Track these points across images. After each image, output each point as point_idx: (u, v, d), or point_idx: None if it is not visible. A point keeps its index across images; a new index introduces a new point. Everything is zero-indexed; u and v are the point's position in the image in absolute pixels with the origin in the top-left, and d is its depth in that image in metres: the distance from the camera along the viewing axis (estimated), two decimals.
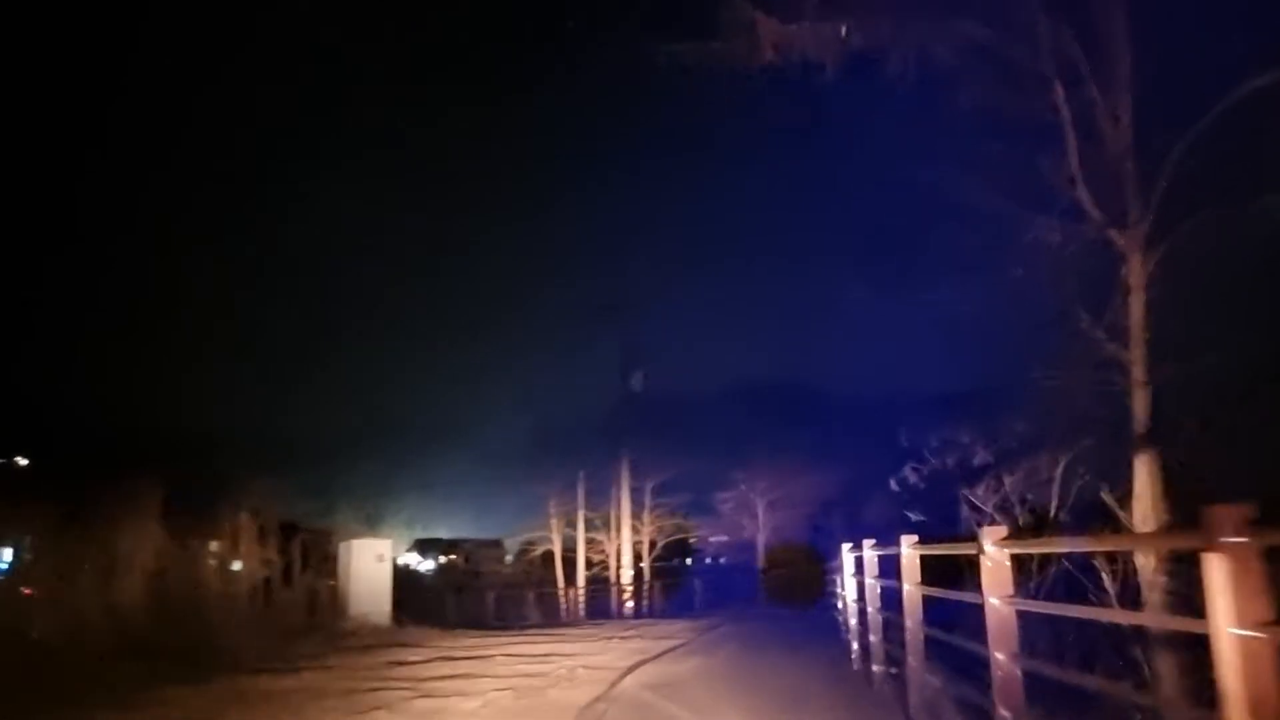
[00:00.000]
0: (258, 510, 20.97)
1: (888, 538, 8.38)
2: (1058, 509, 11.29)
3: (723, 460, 37.84)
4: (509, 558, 71.47)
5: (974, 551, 4.60)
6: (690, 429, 41.57)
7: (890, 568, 8.12)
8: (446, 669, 11.95)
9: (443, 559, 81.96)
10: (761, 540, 35.84)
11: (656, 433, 35.65)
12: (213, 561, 21.06)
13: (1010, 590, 4.41)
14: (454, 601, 46.95)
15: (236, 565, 20.76)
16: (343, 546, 23.61)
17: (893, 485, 19.82)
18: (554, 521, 37.32)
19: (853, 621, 10.12)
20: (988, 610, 4.43)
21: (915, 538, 6.44)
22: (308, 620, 21.17)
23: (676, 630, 18.65)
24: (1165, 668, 6.90)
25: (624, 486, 34.51)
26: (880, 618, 8.13)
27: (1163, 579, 7.29)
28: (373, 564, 23.20)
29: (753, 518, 35.70)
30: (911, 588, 6.27)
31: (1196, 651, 7.21)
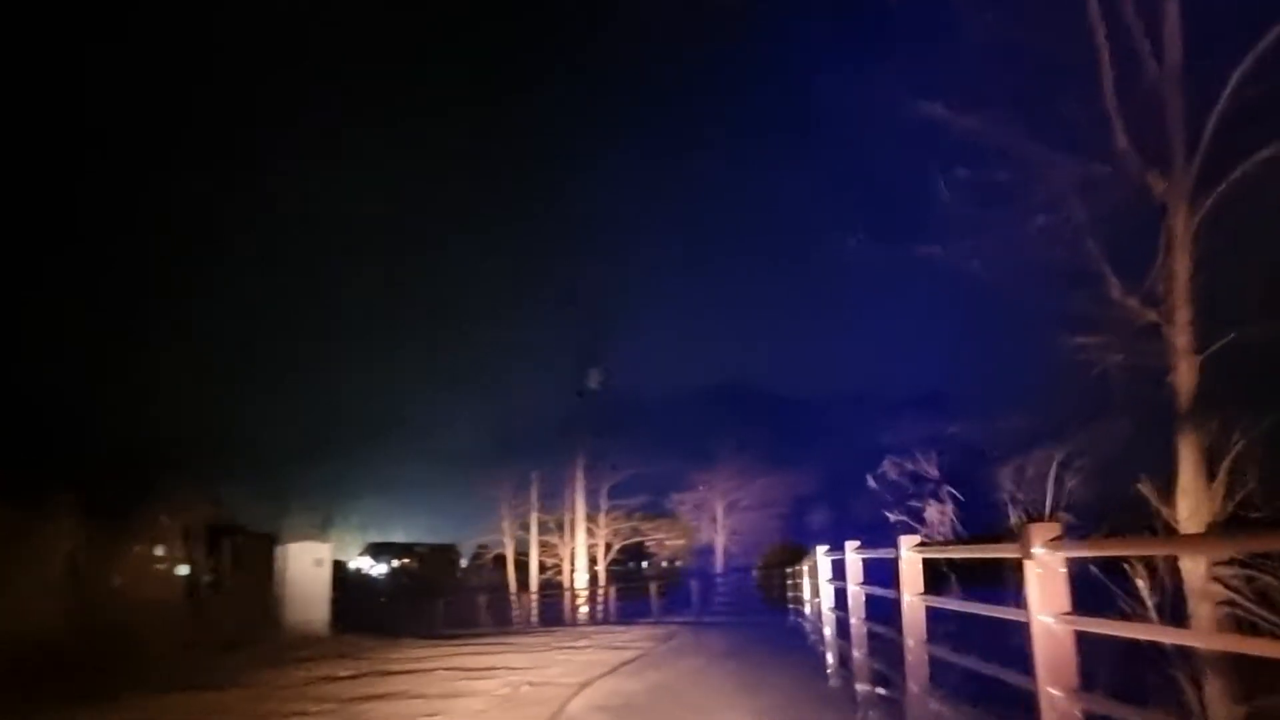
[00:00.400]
0: (182, 512, 19.55)
1: (853, 538, 7.42)
2: (1054, 507, 10.35)
3: (682, 462, 36.87)
4: (464, 562, 69.90)
5: (1016, 555, 3.58)
6: (649, 431, 40.60)
7: (873, 572, 7.17)
8: (378, 686, 10.77)
9: (396, 563, 79.99)
10: (720, 543, 34.77)
11: (614, 433, 34.58)
12: (137, 568, 19.61)
13: (1066, 605, 3.40)
14: (402, 607, 45.55)
15: (158, 571, 19.35)
16: (279, 550, 22.22)
17: (870, 483, 18.86)
18: (506, 524, 36.04)
19: (828, 632, 9.11)
20: (1037, 631, 3.42)
21: (917, 538, 5.42)
22: (240, 629, 19.81)
23: (633, 639, 17.58)
24: (1216, 693, 5.96)
25: (579, 487, 33.36)
26: (864, 630, 7.13)
27: (1215, 588, 6.34)
28: (311, 569, 21.88)
29: (711, 520, 34.64)
30: (913, 598, 5.25)
31: (1246, 673, 6.38)
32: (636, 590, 30.31)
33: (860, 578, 7.19)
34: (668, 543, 36.92)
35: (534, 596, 33.92)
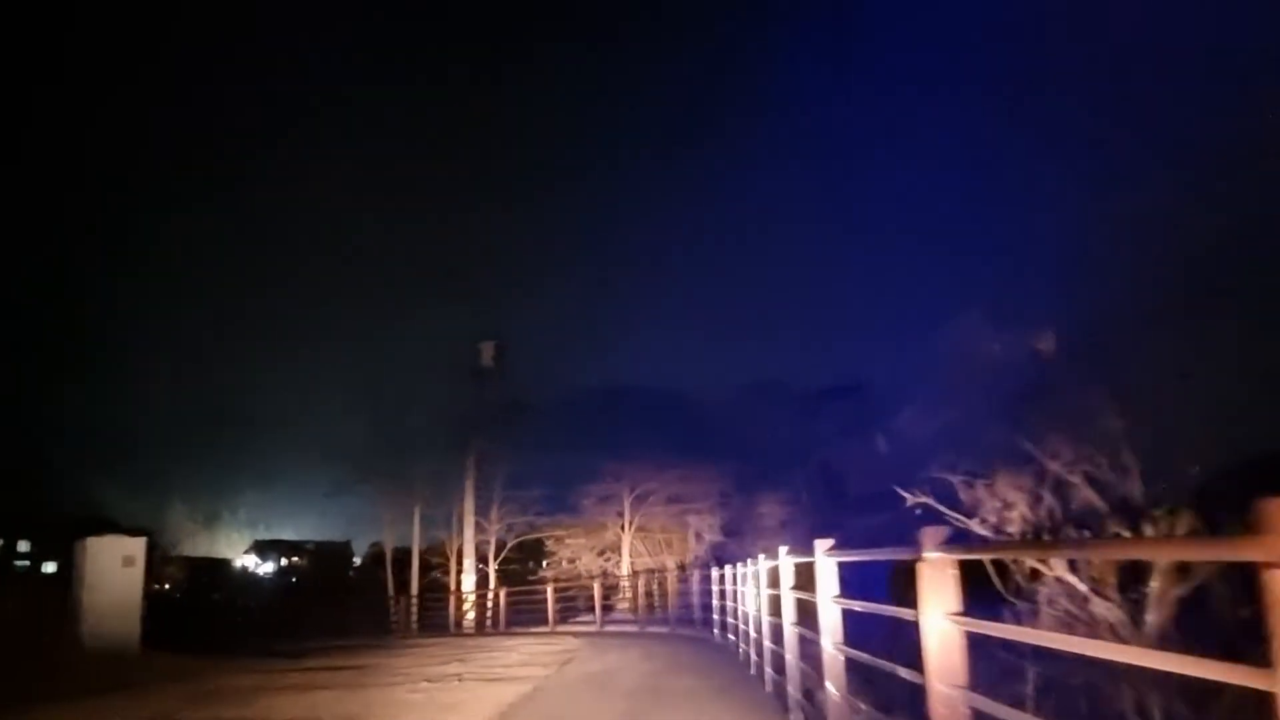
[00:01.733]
0: None
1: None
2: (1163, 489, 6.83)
3: (586, 454, 33.13)
4: (357, 560, 65.41)
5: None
6: (549, 426, 36.95)
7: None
8: None
9: (284, 561, 74.74)
10: (627, 542, 30.90)
11: (512, 417, 30.66)
12: None
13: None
14: (272, 613, 40.88)
15: None
16: (77, 547, 17.70)
17: (880, 444, 15.32)
18: (387, 518, 31.85)
19: (833, 690, 5.41)
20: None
21: None
22: (12, 646, 15.36)
23: (521, 660, 13.84)
24: None
25: (469, 476, 29.24)
26: (964, 700, 3.49)
27: None
28: (117, 570, 17.40)
29: (618, 515, 30.65)
30: None
31: None
32: (531, 594, 26.38)
33: (957, 606, 3.53)
34: (569, 541, 32.80)
35: (414, 600, 29.72)
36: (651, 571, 29.83)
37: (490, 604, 27.53)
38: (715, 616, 16.40)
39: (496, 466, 29.77)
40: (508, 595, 26.09)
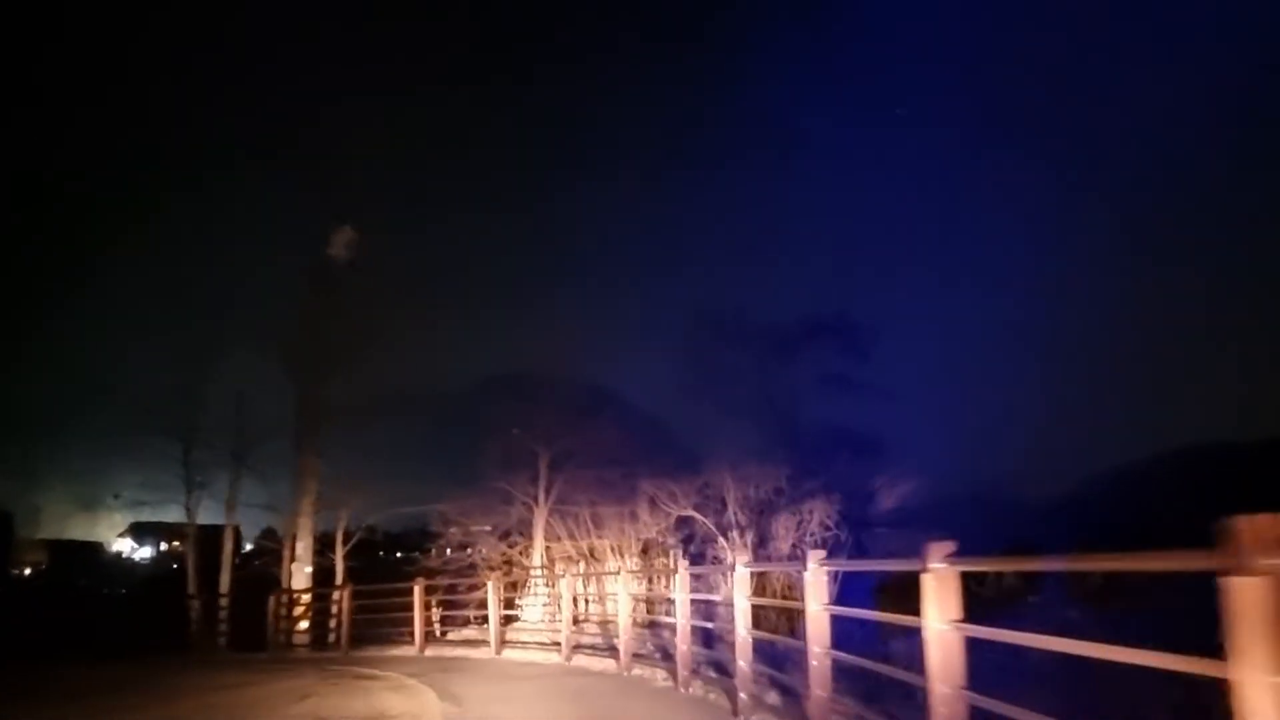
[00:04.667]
0: None
1: None
2: None
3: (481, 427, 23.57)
4: (249, 545, 57.95)
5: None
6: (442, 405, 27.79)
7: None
8: None
9: (164, 546, 65.33)
10: (541, 519, 21.50)
11: (375, 339, 21.30)
12: None
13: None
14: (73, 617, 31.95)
15: None
16: None
17: None
18: (184, 484, 22.30)
19: None
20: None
21: None
22: None
23: None
24: None
25: (310, 417, 19.67)
26: None
27: None
28: None
29: (531, 483, 21.21)
30: None
31: None
32: (394, 594, 16.98)
33: None
34: (461, 519, 23.12)
35: (222, 603, 20.11)
36: (575, 560, 20.72)
37: (337, 610, 18.07)
38: (743, 665, 7.56)
39: (351, 411, 20.21)
40: (354, 598, 16.68)
